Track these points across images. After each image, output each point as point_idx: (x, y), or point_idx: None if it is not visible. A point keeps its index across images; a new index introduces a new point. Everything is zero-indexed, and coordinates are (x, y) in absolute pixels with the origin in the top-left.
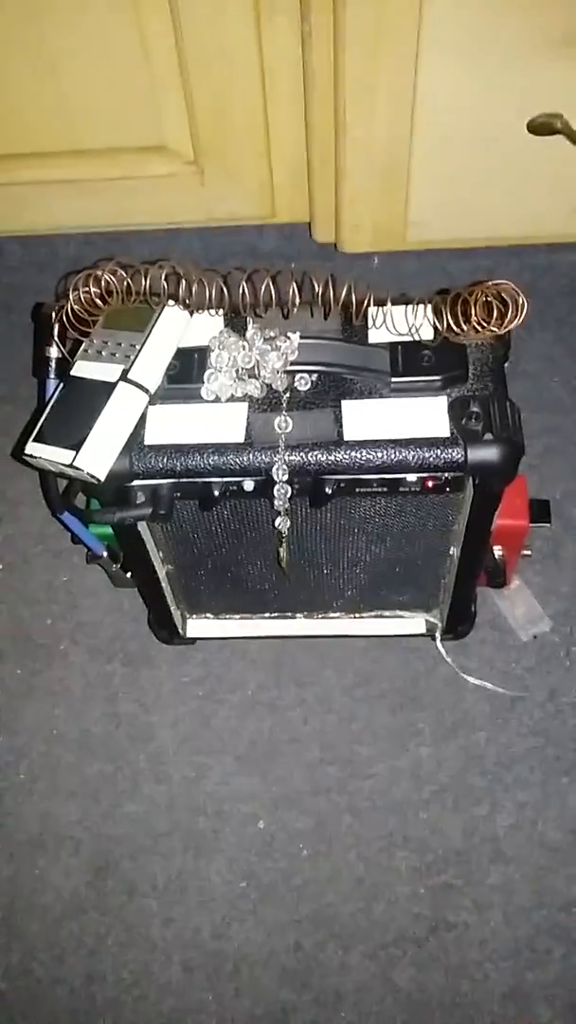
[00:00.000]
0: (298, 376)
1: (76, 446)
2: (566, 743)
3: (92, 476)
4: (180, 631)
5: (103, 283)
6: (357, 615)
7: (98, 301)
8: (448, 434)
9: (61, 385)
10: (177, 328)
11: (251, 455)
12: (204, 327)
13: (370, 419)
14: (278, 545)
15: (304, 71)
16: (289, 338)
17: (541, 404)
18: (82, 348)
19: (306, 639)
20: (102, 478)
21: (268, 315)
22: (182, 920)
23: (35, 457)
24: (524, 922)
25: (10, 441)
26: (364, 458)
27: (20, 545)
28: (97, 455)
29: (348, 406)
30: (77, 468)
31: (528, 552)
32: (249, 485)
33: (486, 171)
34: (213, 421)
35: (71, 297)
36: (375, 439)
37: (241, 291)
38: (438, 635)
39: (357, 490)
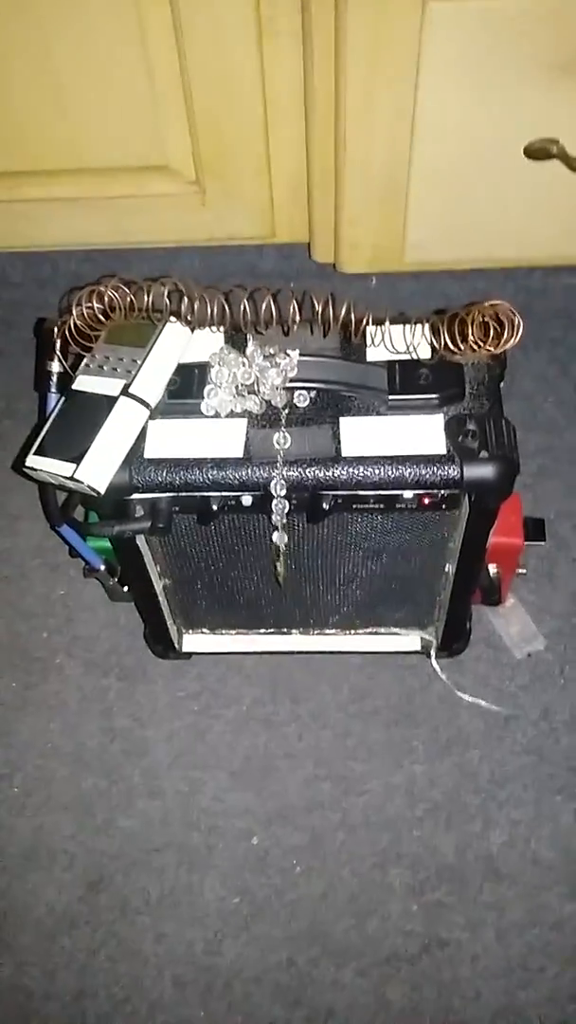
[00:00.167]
0: (297, 393)
1: (77, 459)
2: (559, 761)
3: (92, 489)
4: (176, 646)
5: (106, 299)
6: (352, 631)
7: (101, 317)
8: (445, 451)
9: (62, 399)
10: (178, 344)
11: (250, 470)
12: (205, 343)
13: (368, 436)
14: (275, 560)
15: (305, 93)
16: (288, 355)
17: (536, 424)
18: (84, 363)
19: (301, 655)
20: (102, 491)
21: (268, 332)
22: (175, 935)
23: (35, 469)
24: (517, 940)
25: (9, 455)
26: (361, 474)
27: (17, 558)
28: (97, 468)
29: (346, 423)
30: (77, 481)
31: (523, 570)
32: (247, 500)
33: (483, 194)
34: (212, 436)
35: (74, 312)
36: (372, 456)
37: (242, 308)
38: (433, 652)
39: (354, 506)
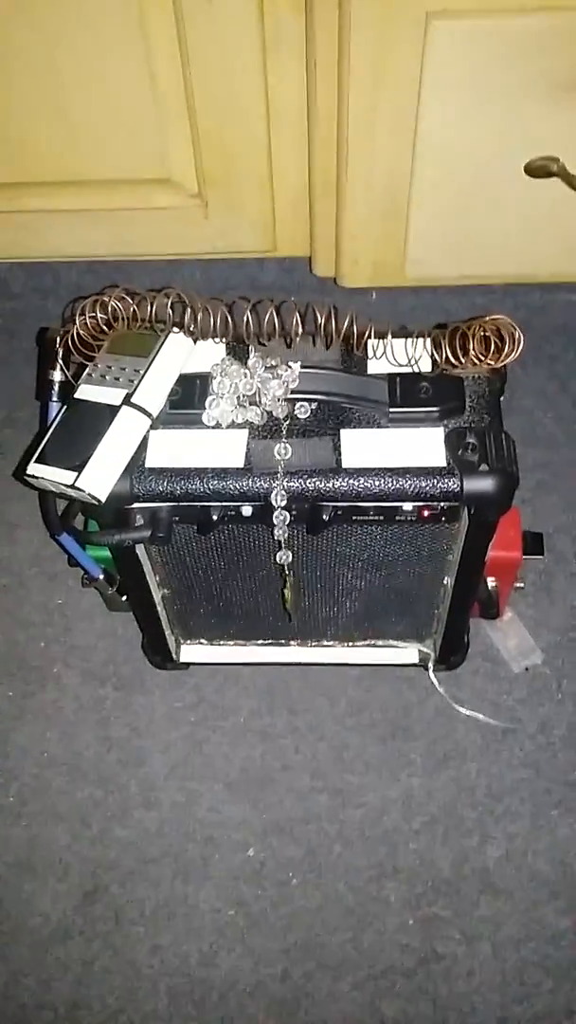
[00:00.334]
0: (298, 404)
1: (78, 467)
2: (556, 775)
3: (93, 497)
4: (174, 656)
5: (110, 309)
6: (350, 643)
7: (104, 326)
8: (445, 464)
9: (64, 408)
10: (180, 354)
11: (250, 480)
12: (206, 354)
13: (368, 448)
14: (283, 586)
15: (308, 109)
16: (290, 367)
17: (535, 439)
18: (86, 372)
19: (299, 666)
20: (103, 499)
21: (270, 344)
22: (170, 947)
23: (37, 477)
24: (513, 954)
25: (10, 463)
26: (362, 486)
27: (16, 567)
28: (99, 477)
29: (347, 435)
30: (79, 489)
31: (521, 584)
32: (247, 510)
33: (484, 211)
34: (213, 446)
35: (77, 322)
36: (373, 467)
37: (245, 320)
38: (431, 665)
39: (354, 518)
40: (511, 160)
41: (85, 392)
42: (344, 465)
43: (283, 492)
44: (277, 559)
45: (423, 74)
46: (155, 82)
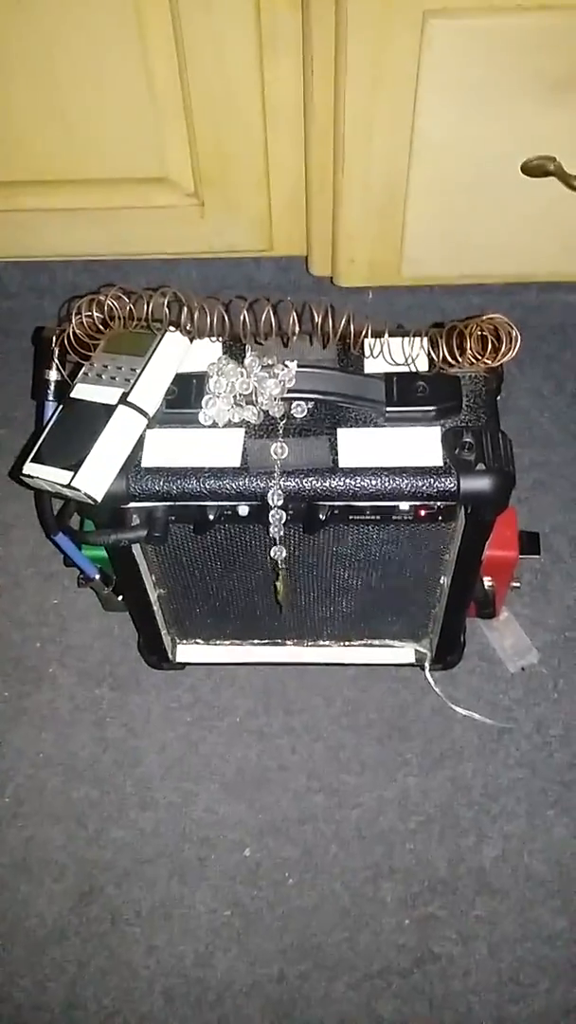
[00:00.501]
0: (295, 403)
1: (74, 466)
2: (552, 775)
3: (89, 497)
4: (170, 656)
5: (106, 308)
6: (347, 643)
7: (100, 325)
8: (441, 463)
9: (60, 407)
10: (177, 354)
11: (246, 480)
12: (203, 354)
13: (365, 447)
14: (276, 579)
15: (305, 109)
16: (287, 366)
17: (531, 439)
18: (82, 371)
19: (295, 666)
20: (99, 499)
21: (266, 343)
22: (166, 947)
23: (32, 477)
24: (509, 954)
25: (5, 463)
26: (358, 485)
27: (11, 567)
28: (95, 476)
29: (343, 434)
30: (75, 488)
31: (517, 584)
32: (244, 510)
33: (481, 210)
34: (210, 446)
35: (73, 321)
36: (369, 467)
37: (242, 319)
38: (427, 665)
39: (350, 517)
40: (508, 159)
41: (81, 391)
42: (341, 464)
43: (279, 491)
44: (271, 554)
45: (420, 73)
46: (151, 81)
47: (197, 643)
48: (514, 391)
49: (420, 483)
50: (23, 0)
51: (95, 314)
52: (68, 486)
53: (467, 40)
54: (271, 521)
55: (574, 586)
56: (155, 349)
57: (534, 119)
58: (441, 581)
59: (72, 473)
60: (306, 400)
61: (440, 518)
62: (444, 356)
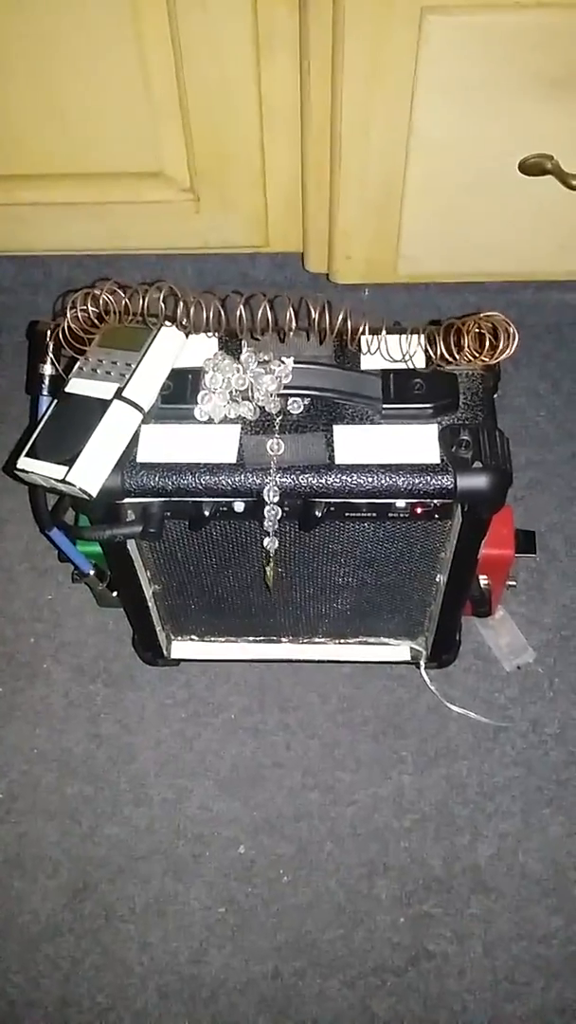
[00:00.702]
0: (291, 400)
1: (69, 462)
2: (548, 774)
3: (84, 492)
4: (164, 652)
5: (101, 302)
6: (342, 641)
7: (95, 320)
8: (438, 461)
9: (55, 402)
10: (173, 349)
11: (242, 476)
12: (199, 349)
13: (361, 444)
14: (266, 564)
15: (301, 105)
16: (283, 362)
17: (527, 438)
18: (77, 366)
19: (291, 663)
20: (94, 494)
21: (263, 339)
22: (160, 944)
23: (27, 472)
24: (504, 953)
25: None
26: (354, 482)
27: (5, 563)
28: (90, 471)
29: (340, 431)
30: (69, 483)
31: (513, 583)
32: (239, 506)
33: (477, 208)
34: (205, 442)
35: (68, 315)
36: (366, 464)
37: (238, 314)
38: (422, 663)
39: (346, 514)
40: (505, 157)
41: (76, 386)
42: (337, 461)
43: (275, 488)
44: (264, 545)
45: (417, 70)
46: (148, 76)
47: (192, 639)
48: (510, 390)
49: (417, 480)
50: None
51: (90, 308)
52: (63, 481)
53: (465, 37)
54: (267, 518)
55: (570, 585)
56: (150, 344)
57: (532, 117)
58: (437, 579)
59: (67, 468)
60: (302, 396)
61: (436, 516)
62: (441, 353)
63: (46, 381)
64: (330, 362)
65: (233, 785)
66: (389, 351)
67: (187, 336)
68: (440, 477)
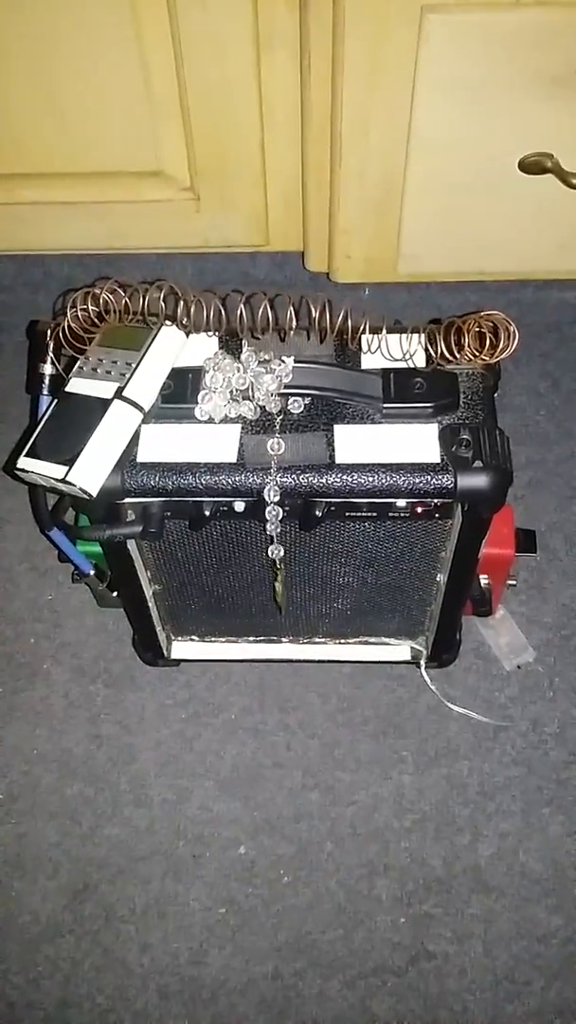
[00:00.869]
0: (291, 399)
1: (69, 461)
2: (548, 774)
3: (84, 491)
4: (165, 652)
5: (101, 301)
6: (342, 640)
7: (95, 319)
8: (438, 460)
9: (55, 401)
10: (173, 348)
11: (243, 476)
12: (199, 348)
13: (362, 443)
14: (274, 579)
15: (301, 104)
16: (283, 361)
17: (527, 437)
18: (77, 365)
19: (291, 663)
20: (94, 494)
21: (263, 338)
22: (160, 945)
23: (27, 472)
24: (504, 953)
25: None
26: (355, 482)
27: (5, 563)
28: (90, 471)
29: (340, 430)
30: (70, 483)
31: (513, 582)
32: (240, 506)
33: (478, 207)
34: (206, 441)
35: (68, 314)
36: (366, 463)
37: (239, 313)
38: (423, 663)
39: (347, 514)
40: (505, 156)
41: (76, 386)
42: (337, 461)
43: (276, 488)
44: (269, 553)
45: (417, 68)
46: (148, 75)
47: (192, 640)
48: (510, 389)
49: (417, 480)
50: None
51: (90, 308)
52: (63, 481)
53: (465, 36)
54: (267, 517)
55: (570, 584)
56: (151, 343)
57: (532, 116)
58: (437, 579)
59: (67, 468)
60: (303, 396)
61: (437, 515)
62: (442, 352)
63: (46, 381)
64: (330, 361)
65: (233, 785)
66: (389, 350)
67: (187, 335)
68: (440, 476)
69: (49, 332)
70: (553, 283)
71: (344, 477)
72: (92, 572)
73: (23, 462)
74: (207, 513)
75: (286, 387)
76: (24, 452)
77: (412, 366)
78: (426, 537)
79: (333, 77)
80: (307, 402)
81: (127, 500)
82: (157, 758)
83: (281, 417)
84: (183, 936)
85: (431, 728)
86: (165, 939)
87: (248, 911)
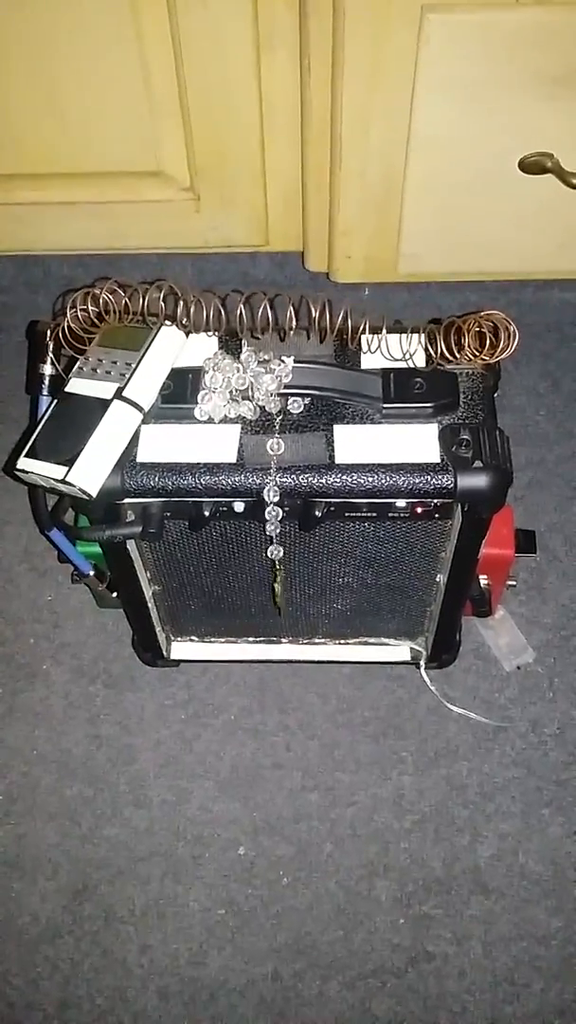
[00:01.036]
0: (291, 399)
1: (69, 462)
2: (548, 774)
3: (84, 492)
4: (164, 653)
5: (101, 302)
6: (342, 641)
7: (95, 319)
8: (438, 460)
9: (54, 402)
10: (172, 348)
11: (242, 476)
12: (199, 348)
13: (361, 444)
14: (274, 580)
15: (301, 104)
16: (283, 361)
17: (527, 437)
18: (77, 365)
19: (290, 664)
20: (94, 494)
21: (263, 338)
22: (159, 946)
23: (27, 472)
24: (504, 954)
25: None
26: (355, 482)
27: (4, 563)
28: (90, 471)
29: (340, 430)
30: (69, 483)
31: (513, 582)
32: (240, 506)
33: (478, 207)
34: (205, 441)
35: (68, 314)
36: (366, 463)
37: (239, 314)
38: (422, 663)
39: (347, 514)
40: (505, 156)
41: (76, 386)
42: (337, 461)
43: (275, 488)
44: (268, 554)
45: (417, 68)
46: (148, 75)
47: (192, 640)
48: (510, 389)
49: (417, 480)
50: None
51: (90, 308)
52: (63, 481)
53: (465, 36)
54: (267, 518)
55: (570, 585)
56: (150, 343)
57: (532, 116)
58: (437, 579)
59: (67, 468)
60: (303, 396)
61: (437, 515)
62: (442, 352)
63: (46, 381)
64: (330, 361)
65: (233, 786)
66: (389, 350)
67: (187, 335)
68: (440, 476)
69: (49, 332)
70: (553, 283)
71: (344, 477)
72: (92, 573)
73: (23, 462)
74: (207, 513)
75: (286, 387)
76: (24, 452)
77: (412, 366)
78: (426, 537)
79: (333, 77)
80: (307, 402)
81: (127, 500)
82: (156, 759)
83: (281, 417)
84: (182, 937)
85: (431, 729)
86: (165, 940)
87: (248, 912)
